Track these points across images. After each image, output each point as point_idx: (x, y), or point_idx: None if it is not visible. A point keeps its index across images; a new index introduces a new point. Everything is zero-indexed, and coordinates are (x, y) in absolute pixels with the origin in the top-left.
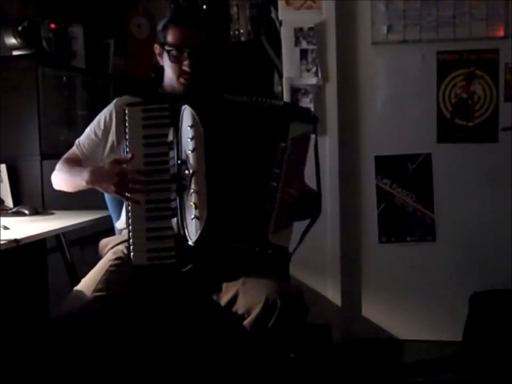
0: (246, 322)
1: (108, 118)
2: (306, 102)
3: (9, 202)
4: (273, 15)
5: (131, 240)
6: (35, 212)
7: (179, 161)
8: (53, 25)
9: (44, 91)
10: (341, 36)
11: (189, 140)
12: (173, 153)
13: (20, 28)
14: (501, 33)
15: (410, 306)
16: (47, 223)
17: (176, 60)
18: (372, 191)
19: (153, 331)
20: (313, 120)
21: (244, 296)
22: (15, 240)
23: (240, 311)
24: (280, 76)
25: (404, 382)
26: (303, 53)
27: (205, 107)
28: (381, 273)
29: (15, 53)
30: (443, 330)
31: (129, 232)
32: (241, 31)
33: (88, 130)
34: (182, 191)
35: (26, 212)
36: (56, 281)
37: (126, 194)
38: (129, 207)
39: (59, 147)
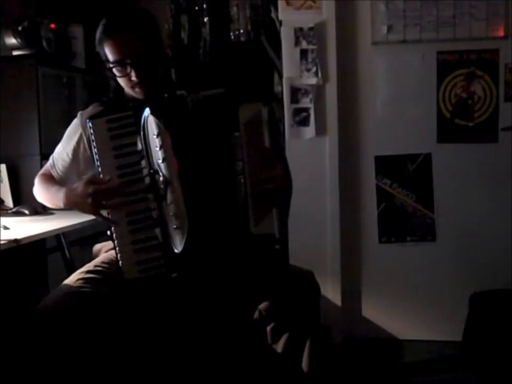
0: (262, 306)
1: (76, 138)
2: (306, 102)
3: (9, 202)
4: (273, 15)
5: (119, 255)
6: (35, 212)
7: (151, 171)
8: (53, 25)
9: (43, 91)
10: (341, 36)
11: (157, 149)
12: (145, 162)
13: (20, 28)
14: (501, 33)
15: (410, 306)
16: (47, 223)
17: (123, 74)
18: (372, 191)
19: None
20: (261, 98)
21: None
22: (15, 240)
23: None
24: (280, 76)
25: (404, 382)
26: (303, 53)
27: (168, 113)
28: (381, 273)
29: (15, 53)
30: (443, 330)
31: (115, 247)
32: (241, 31)
33: (60, 149)
34: (160, 200)
35: (26, 211)
36: (56, 281)
37: (103, 214)
38: (112, 224)
39: None
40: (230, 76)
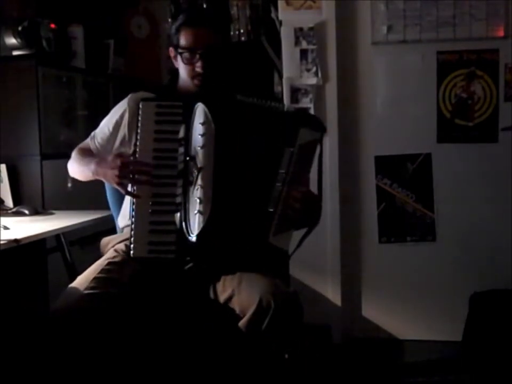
0: (241, 323)
1: (121, 112)
2: (306, 102)
3: (9, 202)
4: (273, 15)
5: (133, 232)
6: (35, 212)
7: (188, 158)
8: (53, 25)
9: (44, 91)
10: (341, 36)
11: (199, 136)
12: (182, 150)
13: (20, 28)
14: (501, 33)
15: (410, 306)
16: (47, 223)
17: (189, 62)
18: (372, 191)
19: (151, 329)
20: (321, 129)
21: (239, 296)
22: (15, 240)
23: (236, 311)
24: (280, 76)
25: (403, 382)
26: (303, 53)
27: (218, 105)
28: (381, 273)
29: (15, 53)
30: (443, 330)
31: (132, 223)
32: (241, 31)
33: (103, 123)
34: (188, 186)
35: (26, 211)
36: (56, 281)
37: (127, 188)
38: (134, 200)
39: (59, 147)
40: (230, 76)
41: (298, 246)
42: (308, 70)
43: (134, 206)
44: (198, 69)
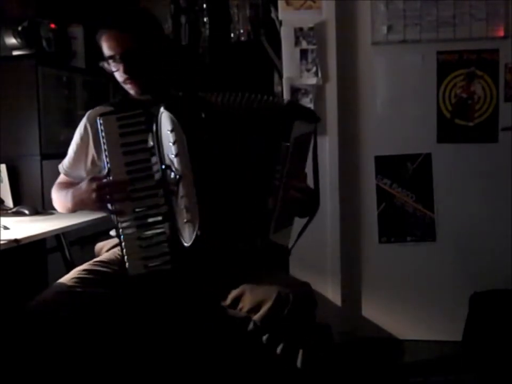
0: (257, 317)
1: (83, 133)
2: (306, 102)
3: (9, 202)
4: (273, 15)
5: (124, 251)
6: (35, 212)
7: (163, 166)
8: (53, 25)
9: (43, 91)
10: (341, 36)
11: (170, 144)
12: (155, 159)
13: (20, 28)
14: (501, 33)
15: (410, 306)
16: (47, 223)
17: (115, 68)
18: (372, 191)
19: (145, 332)
20: (315, 120)
21: (252, 293)
22: (15, 240)
23: (246, 308)
24: (280, 76)
25: (404, 382)
26: (303, 53)
27: (183, 110)
28: (381, 273)
29: (15, 53)
30: (443, 330)
31: (121, 242)
32: (241, 31)
33: (69, 149)
34: (171, 195)
35: (26, 211)
36: (56, 281)
37: (110, 207)
38: (118, 218)
39: (59, 147)
40: (230, 76)
41: (297, 239)
42: (308, 70)
43: (119, 225)
44: (122, 73)
